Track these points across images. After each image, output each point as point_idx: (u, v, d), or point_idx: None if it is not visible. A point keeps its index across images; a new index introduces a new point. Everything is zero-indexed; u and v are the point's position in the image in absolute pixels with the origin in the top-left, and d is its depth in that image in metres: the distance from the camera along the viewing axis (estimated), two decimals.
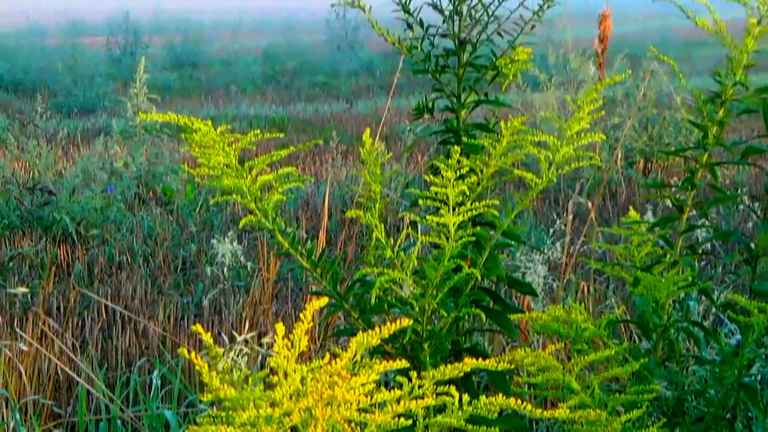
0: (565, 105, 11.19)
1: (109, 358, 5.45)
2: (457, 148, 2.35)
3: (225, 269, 6.13)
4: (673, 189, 3.46)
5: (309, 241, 2.63)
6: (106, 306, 6.10)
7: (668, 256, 3.31)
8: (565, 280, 4.80)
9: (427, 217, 2.37)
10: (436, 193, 2.37)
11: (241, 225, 2.45)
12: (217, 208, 9.50)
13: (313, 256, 2.57)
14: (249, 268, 6.25)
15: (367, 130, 2.71)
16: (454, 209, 2.38)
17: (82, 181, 9.54)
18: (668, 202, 3.56)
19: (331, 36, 29.92)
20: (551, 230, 5.57)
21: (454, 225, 2.39)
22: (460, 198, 2.37)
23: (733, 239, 2.98)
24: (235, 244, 6.13)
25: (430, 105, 2.99)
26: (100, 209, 8.81)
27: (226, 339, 4.66)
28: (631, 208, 3.62)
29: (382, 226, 2.53)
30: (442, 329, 2.53)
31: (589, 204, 5.39)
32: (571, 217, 4.96)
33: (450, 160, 2.36)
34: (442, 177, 2.35)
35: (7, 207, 8.75)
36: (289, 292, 6.42)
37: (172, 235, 8.43)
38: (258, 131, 2.58)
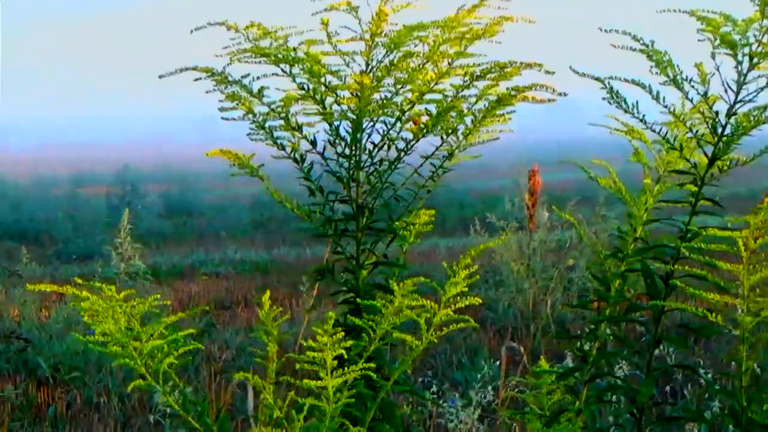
0: (523, 247, 11.19)
1: None
2: (331, 314, 2.29)
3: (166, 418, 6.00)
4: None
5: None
6: None
7: (577, 404, 3.25)
8: (498, 422, 4.71)
9: (305, 381, 2.30)
10: (313, 357, 2.31)
11: (129, 389, 2.37)
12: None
13: (205, 416, 2.50)
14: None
15: (267, 293, 2.66)
16: (332, 372, 2.32)
17: (65, 325, 9.45)
18: None
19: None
20: (479, 375, 5.50)
21: (332, 387, 2.32)
22: (335, 363, 2.30)
23: (619, 393, 2.91)
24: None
25: (330, 267, 2.95)
26: (81, 352, 8.72)
27: None
28: (542, 357, 3.56)
29: (271, 386, 2.46)
30: None
31: (521, 348, 5.33)
32: (503, 362, 4.89)
33: (325, 325, 2.30)
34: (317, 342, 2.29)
35: None
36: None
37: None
38: (159, 295, 2.53)
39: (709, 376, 5.84)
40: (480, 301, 2.42)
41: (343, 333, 2.33)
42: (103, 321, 2.37)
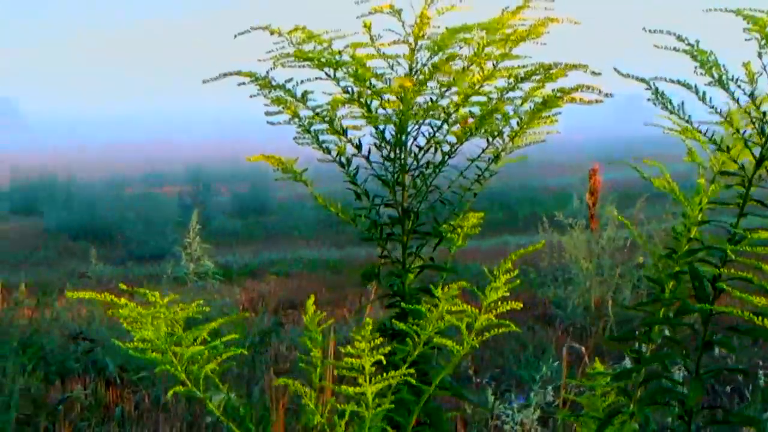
0: (591, 245, 11.11)
1: None
2: (369, 320, 2.29)
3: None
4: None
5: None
6: None
7: (631, 406, 3.22)
8: (557, 424, 4.67)
9: (342, 387, 2.30)
10: (351, 364, 2.31)
11: (169, 395, 2.38)
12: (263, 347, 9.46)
13: (247, 421, 2.51)
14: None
15: (312, 297, 2.67)
16: (371, 378, 2.31)
17: None
18: None
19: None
20: (537, 376, 5.45)
21: (371, 394, 2.32)
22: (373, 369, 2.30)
23: (670, 396, 2.87)
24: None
25: (376, 271, 2.94)
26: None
27: None
28: (597, 358, 3.52)
29: (313, 393, 2.46)
30: None
31: (583, 349, 5.28)
32: (564, 362, 4.85)
33: (363, 331, 2.29)
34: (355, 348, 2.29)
35: (62, 353, 8.78)
36: None
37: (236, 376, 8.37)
38: (201, 301, 2.55)
39: None
40: (521, 305, 2.40)
41: (381, 338, 2.32)
42: (142, 327, 2.39)
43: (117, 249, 21.72)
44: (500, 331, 2.43)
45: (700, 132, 2.72)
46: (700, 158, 3.19)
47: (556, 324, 10.39)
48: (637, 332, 3.25)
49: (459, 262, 15.90)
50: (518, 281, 2.42)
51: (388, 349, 2.34)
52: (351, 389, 2.31)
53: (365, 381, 2.31)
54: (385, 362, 2.35)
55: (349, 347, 2.30)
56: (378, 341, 2.30)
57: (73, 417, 7.60)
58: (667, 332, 3.25)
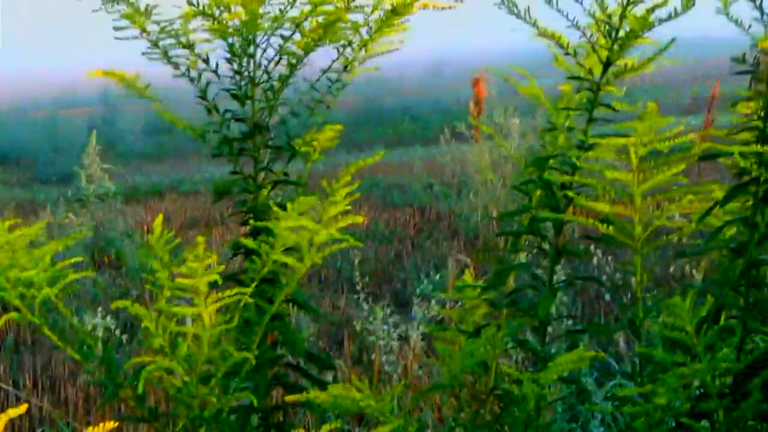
0: (496, 156, 11.11)
1: None
2: (200, 238, 2.21)
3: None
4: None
5: None
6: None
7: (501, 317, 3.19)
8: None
9: (176, 308, 2.24)
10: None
11: (1, 323, 2.30)
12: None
13: (84, 346, 2.43)
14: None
15: (159, 216, 2.59)
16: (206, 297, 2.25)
17: None
18: None
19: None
20: (418, 290, 5.44)
21: (208, 314, 2.26)
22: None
23: (523, 306, 2.84)
24: (108, 318, 5.92)
25: (228, 187, 2.86)
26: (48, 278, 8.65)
27: None
28: (467, 271, 3.49)
29: (155, 314, 2.39)
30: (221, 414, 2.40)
31: (467, 260, 5.27)
32: (450, 275, 4.84)
33: (195, 251, 2.22)
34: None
35: None
36: None
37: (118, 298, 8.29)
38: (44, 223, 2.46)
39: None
40: (362, 219, 2.34)
41: (215, 257, 2.25)
42: None
43: (23, 171, 21.36)
44: (342, 246, 2.38)
45: (548, 35, 2.66)
46: (567, 64, 3.14)
47: (459, 236, 10.42)
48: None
49: (368, 174, 15.90)
50: (358, 194, 2.35)
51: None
52: (188, 310, 2.24)
53: (201, 301, 2.25)
54: (219, 281, 2.29)
55: (183, 267, 2.23)
56: (211, 260, 2.23)
57: None
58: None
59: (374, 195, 13.59)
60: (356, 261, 6.71)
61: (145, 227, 12.20)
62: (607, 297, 6.13)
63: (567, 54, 2.63)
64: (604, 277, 6.21)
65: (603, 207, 2.40)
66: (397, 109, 29.00)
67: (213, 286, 2.31)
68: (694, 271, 5.64)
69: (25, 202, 15.58)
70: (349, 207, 2.39)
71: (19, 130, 26.63)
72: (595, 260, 6.39)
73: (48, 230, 10.90)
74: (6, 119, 29.98)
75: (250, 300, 2.40)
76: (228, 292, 2.26)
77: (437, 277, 5.80)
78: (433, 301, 5.12)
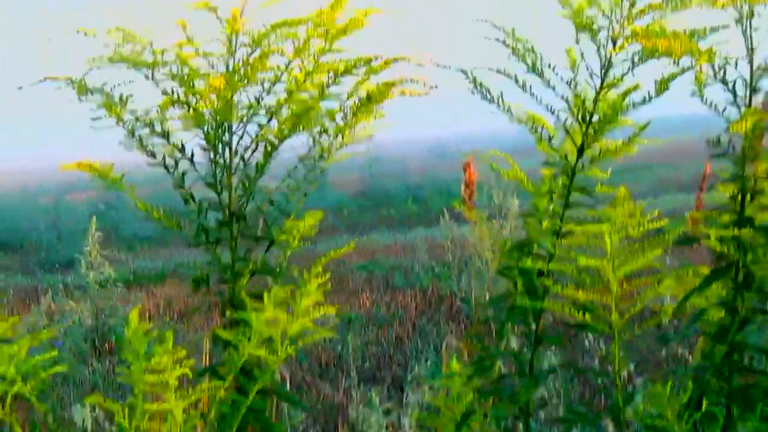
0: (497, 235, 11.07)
1: None
2: (169, 333, 2.18)
3: None
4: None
5: None
6: None
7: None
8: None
9: (146, 405, 2.19)
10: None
11: None
12: None
13: None
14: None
15: (137, 308, 2.55)
16: (175, 392, 2.21)
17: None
18: None
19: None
20: (410, 376, 5.39)
21: (180, 409, 2.21)
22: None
23: (506, 393, 2.80)
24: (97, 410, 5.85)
25: (205, 277, 2.83)
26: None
27: None
28: (454, 357, 3.44)
29: (126, 409, 2.35)
30: None
31: (461, 344, 5.21)
32: (444, 360, 4.78)
33: (163, 346, 2.19)
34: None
35: None
36: None
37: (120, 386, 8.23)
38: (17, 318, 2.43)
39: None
40: (333, 311, 2.31)
41: (184, 351, 2.22)
42: None
43: (27, 257, 21.32)
44: (315, 337, 2.34)
45: (521, 121, 2.64)
46: (548, 148, 3.12)
47: (461, 319, 10.36)
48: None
49: (373, 257, 15.88)
50: (328, 286, 2.32)
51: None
52: (156, 406, 2.20)
53: (171, 396, 2.21)
54: (190, 376, 2.25)
55: (152, 362, 2.20)
56: (180, 354, 2.20)
57: None
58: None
59: (376, 277, 13.57)
60: (350, 348, 6.66)
61: (147, 313, 12.16)
62: (599, 381, 6.06)
63: (541, 140, 2.61)
64: (596, 360, 6.14)
65: (578, 295, 2.36)
66: (401, 189, 29.06)
67: (189, 380, 2.28)
68: (686, 351, 5.58)
69: (29, 288, 15.55)
70: (322, 298, 2.36)
71: (24, 215, 26.69)
72: (586, 343, 6.33)
73: (48, 317, 10.91)
74: (13, 204, 30.07)
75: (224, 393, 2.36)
76: (202, 386, 2.22)
77: (429, 361, 5.73)
78: (426, 387, 5.06)
